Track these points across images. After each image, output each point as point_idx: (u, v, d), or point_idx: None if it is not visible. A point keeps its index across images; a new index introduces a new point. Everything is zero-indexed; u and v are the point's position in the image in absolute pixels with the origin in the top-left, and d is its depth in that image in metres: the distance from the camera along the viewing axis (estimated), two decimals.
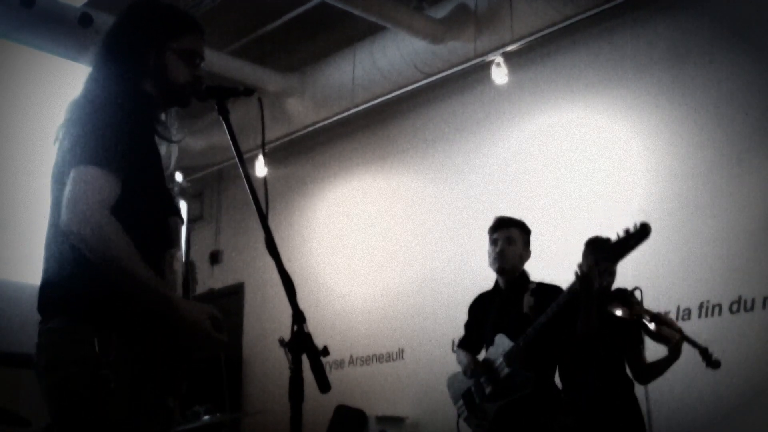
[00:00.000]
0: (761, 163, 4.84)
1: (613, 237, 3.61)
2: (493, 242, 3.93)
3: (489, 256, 3.96)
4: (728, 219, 4.87)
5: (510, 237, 3.91)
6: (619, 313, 3.82)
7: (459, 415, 3.97)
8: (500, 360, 3.74)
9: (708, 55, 5.16)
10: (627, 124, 5.52)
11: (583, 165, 5.66)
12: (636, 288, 3.90)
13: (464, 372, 3.90)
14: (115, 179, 1.94)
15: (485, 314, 3.98)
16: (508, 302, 3.89)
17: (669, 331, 3.70)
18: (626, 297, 3.88)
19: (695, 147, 5.14)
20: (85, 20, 5.53)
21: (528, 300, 3.84)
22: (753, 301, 4.69)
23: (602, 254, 3.61)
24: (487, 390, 3.78)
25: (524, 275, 3.95)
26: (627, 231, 3.54)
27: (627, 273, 4.89)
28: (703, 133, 5.12)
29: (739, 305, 4.70)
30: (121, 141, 1.96)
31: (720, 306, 4.48)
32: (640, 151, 5.42)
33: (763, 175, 4.82)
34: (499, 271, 3.92)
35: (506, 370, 3.71)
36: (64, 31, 5.61)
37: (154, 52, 2.20)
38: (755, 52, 4.97)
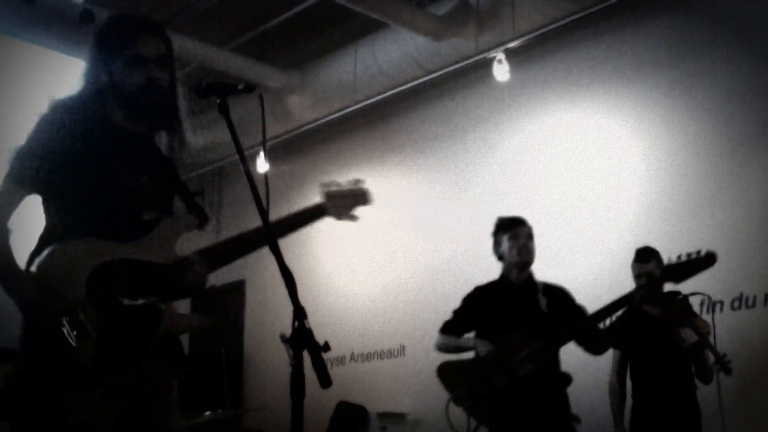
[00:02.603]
0: (761, 162, 4.84)
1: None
2: (514, 237, 3.94)
3: (503, 252, 3.96)
4: (729, 217, 4.86)
5: (529, 233, 3.96)
6: (651, 312, 4.06)
7: (457, 403, 3.90)
8: (522, 355, 3.72)
9: (708, 53, 5.16)
10: (628, 122, 5.52)
11: (583, 162, 5.66)
12: (695, 294, 4.06)
13: (482, 356, 3.82)
14: (14, 189, 2.16)
15: (489, 308, 3.96)
16: (523, 299, 3.90)
17: (687, 334, 3.81)
18: (669, 299, 4.04)
19: (695, 145, 5.14)
20: (86, 16, 5.52)
21: (542, 299, 3.86)
22: (754, 297, 4.69)
23: (668, 275, 3.77)
24: (502, 384, 3.75)
25: (532, 275, 3.99)
26: (689, 255, 3.71)
27: (630, 276, 4.90)
28: (703, 131, 5.12)
29: (741, 302, 4.70)
30: (36, 158, 2.16)
31: (722, 303, 4.47)
32: (640, 148, 5.41)
33: (763, 173, 4.82)
34: (523, 265, 3.94)
35: (529, 367, 3.70)
36: (66, 27, 5.61)
37: (106, 68, 2.29)
38: (755, 51, 4.97)
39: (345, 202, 2.66)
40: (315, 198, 2.63)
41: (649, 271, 4.09)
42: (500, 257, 4.01)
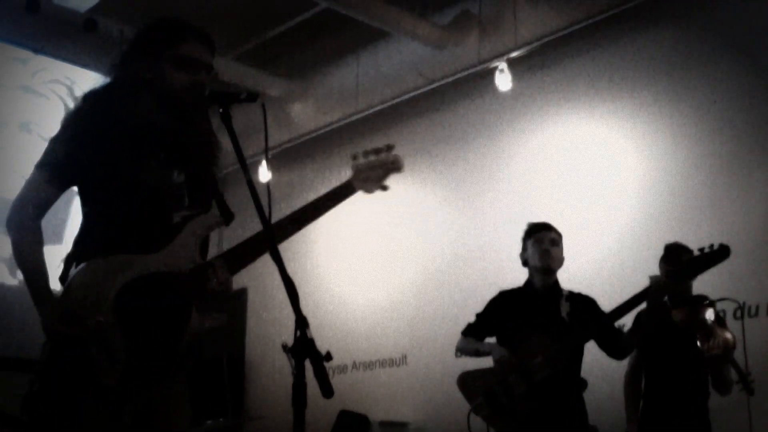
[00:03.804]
0: (762, 170, 4.83)
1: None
2: (537, 242, 3.94)
3: (528, 257, 3.97)
4: (730, 225, 4.86)
5: (554, 239, 3.95)
6: (676, 316, 3.91)
7: (476, 413, 3.88)
8: (538, 360, 3.71)
9: (708, 61, 5.17)
10: (628, 128, 5.53)
11: (584, 167, 5.67)
12: (724, 299, 3.97)
13: (500, 361, 3.81)
14: (48, 184, 2.16)
15: (512, 313, 3.96)
16: (545, 305, 3.89)
17: (708, 346, 3.74)
18: (695, 304, 3.92)
19: (697, 152, 5.14)
20: (89, 25, 5.54)
21: (564, 306, 3.85)
22: (757, 307, 4.67)
23: (678, 271, 3.69)
24: (519, 390, 3.74)
25: (558, 281, 3.98)
26: (702, 250, 3.60)
27: (632, 279, 4.89)
28: (704, 137, 5.12)
29: (743, 311, 4.68)
30: (72, 151, 2.15)
31: (724, 312, 4.46)
32: (641, 155, 5.42)
33: (764, 182, 4.82)
34: (544, 269, 3.92)
35: (545, 372, 3.69)
36: (69, 36, 5.63)
37: (150, 65, 2.27)
38: (755, 58, 4.98)
39: (374, 174, 2.57)
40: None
41: (683, 260, 3.79)
42: (525, 263, 4.01)
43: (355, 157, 2.58)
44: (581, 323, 3.80)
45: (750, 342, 4.43)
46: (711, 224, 4.92)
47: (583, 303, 3.94)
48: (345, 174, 2.67)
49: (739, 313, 4.67)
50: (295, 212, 2.40)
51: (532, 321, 3.85)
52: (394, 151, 2.60)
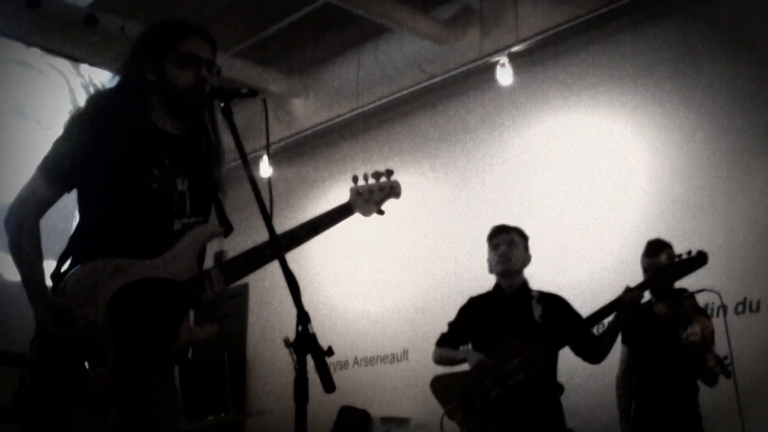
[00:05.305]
0: (764, 165, 4.83)
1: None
2: (494, 247, 3.94)
3: (490, 263, 3.97)
4: (731, 220, 4.86)
5: (511, 240, 3.93)
6: (658, 310, 3.96)
7: (450, 417, 3.87)
8: (514, 364, 3.70)
9: (708, 57, 5.16)
10: (629, 124, 5.52)
11: (585, 164, 5.66)
12: (702, 290, 3.97)
13: (475, 369, 3.81)
14: (48, 185, 2.17)
15: (483, 318, 3.94)
16: (516, 308, 3.87)
17: (686, 334, 3.74)
18: (677, 296, 3.95)
19: (696, 147, 5.14)
20: (90, 21, 5.54)
21: (536, 308, 3.84)
22: (758, 302, 4.67)
23: (657, 278, 3.80)
24: (494, 393, 3.73)
25: (526, 282, 3.96)
26: (680, 256, 3.70)
27: (633, 277, 4.89)
28: (705, 134, 5.11)
29: (745, 306, 4.69)
30: (73, 153, 2.15)
31: (725, 307, 4.46)
32: (643, 152, 5.41)
33: (765, 178, 4.81)
34: (504, 273, 3.91)
35: (521, 375, 3.68)
36: (70, 32, 5.62)
37: (153, 66, 2.27)
38: (756, 54, 4.97)
39: (372, 198, 2.60)
40: (318, 202, 2.61)
41: (660, 265, 3.92)
42: (490, 269, 4.00)
43: (355, 180, 2.59)
44: (556, 328, 3.78)
45: (751, 337, 4.45)
46: (713, 221, 4.92)
47: (555, 305, 3.91)
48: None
49: (740, 308, 4.68)
50: (293, 230, 2.39)
51: (504, 324, 3.83)
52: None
